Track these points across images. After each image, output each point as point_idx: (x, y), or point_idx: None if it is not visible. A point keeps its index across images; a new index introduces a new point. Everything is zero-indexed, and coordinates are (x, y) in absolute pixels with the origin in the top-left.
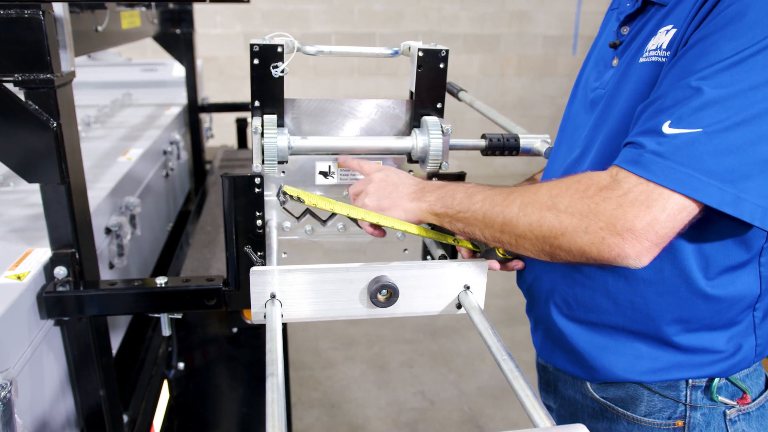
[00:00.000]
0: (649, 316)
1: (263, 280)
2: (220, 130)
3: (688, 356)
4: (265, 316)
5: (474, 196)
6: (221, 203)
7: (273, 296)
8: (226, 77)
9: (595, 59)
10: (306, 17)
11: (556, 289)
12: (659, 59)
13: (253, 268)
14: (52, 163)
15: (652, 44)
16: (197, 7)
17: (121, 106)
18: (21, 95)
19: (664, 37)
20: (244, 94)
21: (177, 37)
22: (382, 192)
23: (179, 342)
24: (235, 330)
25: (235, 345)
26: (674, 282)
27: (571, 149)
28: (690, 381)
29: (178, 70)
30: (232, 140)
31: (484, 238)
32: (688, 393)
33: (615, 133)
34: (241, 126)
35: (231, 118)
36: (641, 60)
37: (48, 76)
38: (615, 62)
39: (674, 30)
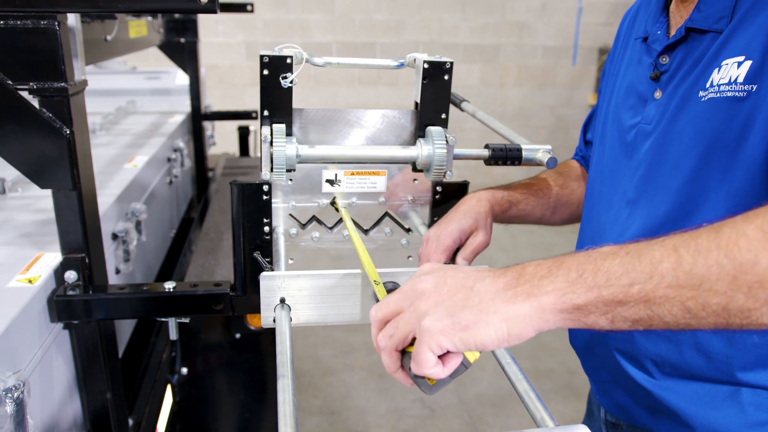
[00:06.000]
0: (746, 367)
1: (273, 285)
2: (222, 138)
3: None
4: (274, 320)
5: (643, 255)
6: (227, 210)
7: (282, 301)
8: (227, 85)
9: (625, 93)
10: (307, 27)
11: (638, 348)
12: (737, 94)
13: (263, 274)
14: (65, 169)
15: (719, 78)
16: (201, 16)
17: (126, 114)
18: (35, 103)
19: (735, 70)
20: (245, 103)
21: (181, 45)
22: (450, 302)
23: (182, 347)
24: (237, 336)
25: (237, 350)
26: None
27: (614, 191)
28: None
29: (182, 79)
30: (233, 148)
31: (680, 322)
32: None
33: (678, 170)
34: (243, 134)
35: (233, 126)
36: (704, 95)
37: (62, 84)
38: (658, 94)
39: (749, 62)
